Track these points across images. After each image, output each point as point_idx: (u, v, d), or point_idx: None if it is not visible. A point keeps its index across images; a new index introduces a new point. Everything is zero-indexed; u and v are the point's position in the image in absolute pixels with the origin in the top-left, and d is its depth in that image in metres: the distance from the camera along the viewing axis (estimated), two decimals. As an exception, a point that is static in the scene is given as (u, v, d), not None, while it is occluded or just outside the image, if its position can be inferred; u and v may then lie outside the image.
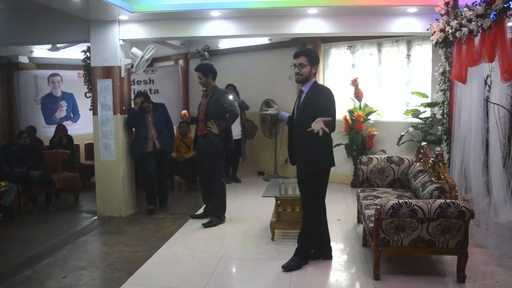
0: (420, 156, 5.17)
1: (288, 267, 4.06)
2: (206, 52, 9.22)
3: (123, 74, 6.07)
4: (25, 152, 6.59)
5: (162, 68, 9.25)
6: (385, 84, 7.64)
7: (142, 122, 6.11)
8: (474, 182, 4.60)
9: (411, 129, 6.80)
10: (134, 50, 6.16)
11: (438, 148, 5.34)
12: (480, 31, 4.12)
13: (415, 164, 5.18)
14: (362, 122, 7.35)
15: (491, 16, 3.87)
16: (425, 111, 6.74)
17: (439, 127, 5.61)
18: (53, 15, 5.71)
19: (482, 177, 4.51)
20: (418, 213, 3.59)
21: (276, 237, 4.92)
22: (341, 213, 5.90)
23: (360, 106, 7.52)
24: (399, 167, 5.34)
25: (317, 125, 3.68)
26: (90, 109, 6.29)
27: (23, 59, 9.19)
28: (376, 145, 7.47)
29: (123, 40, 6.04)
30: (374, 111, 7.47)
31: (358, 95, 7.47)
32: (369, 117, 7.46)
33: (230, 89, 7.85)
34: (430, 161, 4.70)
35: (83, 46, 6.63)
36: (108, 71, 6.01)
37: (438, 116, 5.64)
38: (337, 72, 8.07)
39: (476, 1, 4.20)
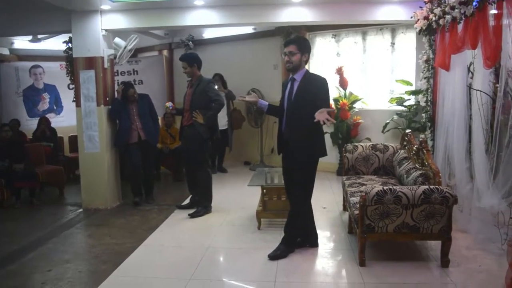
0: (405, 143, 5.20)
1: (274, 256, 4.08)
2: (190, 42, 9.14)
3: (106, 65, 6.00)
4: (7, 145, 6.49)
5: (146, 58, 9.17)
6: (370, 72, 7.66)
7: (126, 113, 6.06)
8: (458, 168, 4.65)
9: (395, 117, 6.84)
10: (117, 40, 6.09)
11: (422, 135, 5.39)
12: (463, 18, 4.14)
13: (399, 151, 5.22)
14: (347, 111, 7.37)
15: (474, 3, 3.89)
16: (409, 99, 6.79)
17: (423, 115, 5.66)
18: (33, 6, 5.61)
19: (465, 163, 4.56)
20: (403, 200, 3.62)
21: (263, 226, 4.94)
22: (327, 201, 5.93)
23: (345, 94, 7.54)
24: (384, 155, 5.37)
25: (322, 116, 3.65)
26: (73, 101, 6.22)
27: (4, 51, 9.04)
28: (361, 133, 7.52)
29: (106, 30, 5.96)
30: (359, 100, 7.50)
31: (343, 83, 7.49)
32: (354, 106, 7.48)
33: (216, 79, 7.82)
34: (414, 148, 4.74)
35: (65, 37, 6.52)
36: (91, 62, 5.93)
37: (422, 104, 5.68)
38: (322, 60, 8.06)
39: (459, -12, 4.21)
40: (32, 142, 7.83)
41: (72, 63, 6.15)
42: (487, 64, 3.82)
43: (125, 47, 6.01)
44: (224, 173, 8.15)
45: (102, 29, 5.91)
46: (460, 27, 4.28)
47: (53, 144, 8.01)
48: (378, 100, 7.54)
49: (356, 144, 5.66)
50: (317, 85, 3.96)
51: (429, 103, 5.49)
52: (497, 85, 4.00)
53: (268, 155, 8.39)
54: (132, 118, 6.07)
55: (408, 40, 7.16)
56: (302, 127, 3.92)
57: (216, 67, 8.13)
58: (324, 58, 8.03)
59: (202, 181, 5.57)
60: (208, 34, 9.14)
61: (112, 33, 6.12)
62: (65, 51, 6.48)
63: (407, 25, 6.90)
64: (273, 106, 4.28)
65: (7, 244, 4.80)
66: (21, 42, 9.05)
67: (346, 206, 5.24)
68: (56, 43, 8.11)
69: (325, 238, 4.63)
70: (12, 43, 9.07)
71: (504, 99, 3.86)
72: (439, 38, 4.95)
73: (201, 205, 5.57)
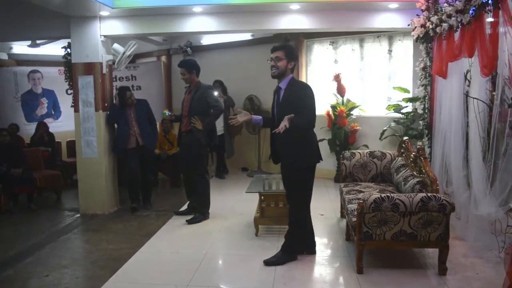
0: (402, 150, 5.22)
1: (269, 262, 4.07)
2: (188, 48, 9.17)
3: (104, 70, 6.01)
4: (5, 150, 6.48)
5: (144, 64, 9.19)
6: (367, 79, 7.70)
7: (123, 119, 6.06)
8: (455, 175, 4.66)
9: (393, 124, 6.87)
10: (116, 46, 6.10)
11: (419, 143, 5.41)
12: (460, 26, 4.18)
13: (397, 158, 5.23)
14: (345, 117, 7.39)
15: (470, 11, 3.93)
16: (406, 106, 6.82)
17: (420, 122, 5.69)
18: (32, 11, 5.62)
19: (463, 170, 4.57)
20: (400, 207, 3.63)
21: (260, 232, 4.93)
22: (324, 208, 5.93)
23: (342, 101, 7.57)
24: (381, 162, 5.39)
25: (281, 124, 3.64)
26: (72, 106, 6.22)
27: (2, 56, 9.05)
28: (359, 140, 7.53)
29: (104, 36, 5.98)
30: (357, 106, 7.52)
31: (340, 90, 7.52)
32: (351, 112, 7.50)
33: (216, 86, 7.85)
34: (412, 155, 4.75)
35: (64, 42, 6.55)
36: (90, 68, 5.95)
37: (419, 111, 5.71)
38: (319, 67, 8.10)
39: (455, -3, 4.25)
40: (30, 147, 7.82)
41: (71, 69, 6.16)
42: (484, 72, 3.84)
43: (123, 53, 6.02)
44: (222, 179, 8.15)
45: (101, 35, 5.93)
46: (457, 35, 4.32)
47: (51, 149, 8.00)
48: (375, 107, 7.57)
49: (354, 151, 5.68)
50: (300, 93, 3.92)
51: (426, 111, 5.51)
52: (494, 93, 4.02)
53: (266, 161, 8.38)
54: (130, 124, 6.07)
55: (405, 48, 7.19)
56: (290, 136, 3.84)
57: (214, 74, 8.14)
58: (322, 65, 8.06)
59: (200, 187, 5.57)
60: (206, 40, 9.17)
61: (111, 39, 6.14)
62: (63, 56, 6.51)
63: (404, 33, 6.95)
64: (267, 118, 4.28)
65: (4, 249, 4.78)
66: (20, 47, 9.06)
67: (343, 213, 5.24)
68: (55, 48, 8.13)
69: (323, 245, 4.63)
70: (11, 48, 9.08)
71: (501, 107, 3.88)
72: (436, 46, 4.98)
73: (199, 211, 5.57)
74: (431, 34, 4.94)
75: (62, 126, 9.28)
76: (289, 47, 4.17)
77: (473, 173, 4.27)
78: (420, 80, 5.57)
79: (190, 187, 5.73)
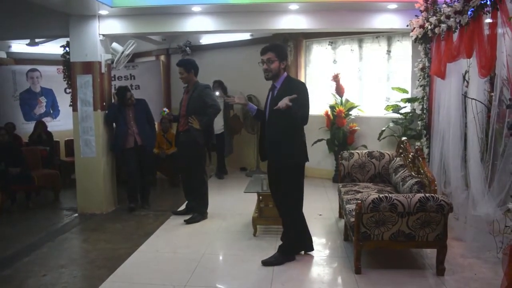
0: (400, 151, 5.23)
1: (266, 262, 4.08)
2: (187, 48, 9.17)
3: (103, 69, 6.00)
4: (3, 148, 6.47)
5: (143, 63, 9.17)
6: (366, 79, 7.70)
7: (122, 118, 6.05)
8: (453, 176, 4.67)
9: (391, 124, 6.87)
10: (115, 45, 6.10)
11: (418, 143, 5.41)
12: (458, 27, 4.18)
13: (395, 159, 5.23)
14: (344, 118, 7.39)
15: (469, 12, 3.93)
16: (405, 107, 6.82)
17: (419, 122, 5.69)
18: (31, 9, 5.61)
19: (461, 171, 4.58)
20: (398, 207, 3.63)
21: (258, 232, 4.93)
22: (322, 208, 5.93)
23: (341, 101, 7.56)
24: (379, 162, 5.39)
25: (282, 102, 3.65)
26: (70, 105, 6.21)
27: (1, 54, 9.04)
28: (357, 140, 7.53)
29: (103, 35, 5.97)
30: (355, 107, 7.52)
31: (339, 90, 7.51)
32: (350, 113, 7.50)
33: (216, 86, 7.85)
34: (410, 155, 4.76)
35: (62, 41, 6.53)
36: (88, 67, 5.94)
37: (418, 111, 5.72)
38: (318, 67, 8.10)
39: (454, -2, 4.25)
40: (28, 146, 7.81)
41: (70, 68, 6.14)
42: (482, 73, 3.85)
43: (122, 52, 6.02)
44: (221, 179, 8.15)
45: (99, 34, 5.92)
46: (455, 36, 4.32)
47: (49, 148, 8.00)
48: (374, 107, 7.56)
49: (352, 151, 5.68)
50: (296, 90, 3.89)
51: (424, 111, 5.52)
52: (492, 94, 4.02)
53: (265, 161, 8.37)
54: (128, 123, 6.07)
55: (404, 48, 7.20)
56: (280, 133, 3.90)
57: (213, 73, 8.14)
58: (321, 65, 8.06)
59: (198, 187, 5.57)
60: (205, 40, 9.16)
61: (110, 38, 6.13)
62: (62, 55, 6.48)
63: (403, 33, 6.95)
64: (261, 111, 4.27)
65: (1, 248, 4.78)
66: (19, 46, 9.05)
67: (342, 213, 5.24)
68: (53, 47, 8.13)
69: (321, 245, 4.63)
70: (10, 46, 9.06)
71: (499, 107, 3.88)
72: (434, 47, 4.98)
73: (197, 211, 5.56)
74: (430, 35, 4.94)
75: (61, 125, 9.28)
76: (279, 47, 4.13)
77: (471, 173, 4.28)
78: (418, 80, 5.58)
79: (188, 186, 5.72)
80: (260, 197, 4.93)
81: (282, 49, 4.10)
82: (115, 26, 5.95)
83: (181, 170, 5.97)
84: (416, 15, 5.25)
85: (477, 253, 4.19)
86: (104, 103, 6.06)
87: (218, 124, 7.72)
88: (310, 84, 8.14)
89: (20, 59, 9.29)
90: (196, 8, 5.66)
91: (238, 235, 5.00)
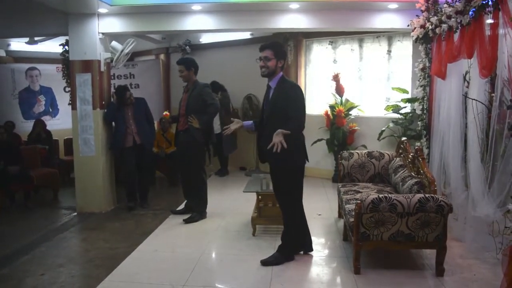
0: (400, 151, 5.21)
1: (265, 262, 4.06)
2: (187, 47, 9.16)
3: (102, 68, 5.99)
4: (2, 147, 6.45)
5: (142, 62, 9.16)
6: (366, 79, 7.69)
7: (121, 117, 6.04)
8: (453, 176, 4.66)
9: (391, 125, 6.86)
10: (114, 43, 6.08)
11: (417, 143, 5.39)
12: (459, 27, 4.17)
13: (395, 159, 5.22)
14: (343, 117, 7.38)
15: (470, 12, 3.92)
16: (405, 107, 6.81)
17: (419, 123, 5.68)
18: (30, 8, 5.61)
19: (461, 171, 4.57)
20: (398, 208, 3.62)
21: (257, 232, 4.92)
22: (322, 208, 5.92)
23: (341, 101, 7.55)
24: (379, 162, 5.38)
25: (277, 139, 3.62)
26: (69, 104, 6.19)
27: (0, 53, 9.03)
28: (357, 140, 7.52)
29: (103, 33, 5.95)
30: (355, 107, 7.51)
31: (339, 90, 7.50)
32: (350, 112, 7.49)
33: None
34: (410, 156, 4.75)
35: (62, 40, 6.52)
36: (87, 65, 5.92)
37: (418, 112, 5.70)
38: (318, 67, 8.09)
39: (455, -2, 4.24)
40: (27, 145, 7.79)
41: (69, 66, 6.13)
42: (483, 74, 3.84)
43: (122, 51, 6.00)
44: (222, 177, 8.16)
45: (99, 33, 5.90)
46: (456, 36, 4.31)
47: (48, 147, 7.98)
48: (374, 107, 7.55)
49: (352, 151, 5.67)
50: (290, 94, 3.89)
51: (425, 111, 5.51)
52: (493, 94, 4.02)
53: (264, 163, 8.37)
54: (127, 122, 6.05)
55: (404, 48, 7.18)
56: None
57: (213, 72, 8.12)
58: (321, 65, 8.05)
59: (197, 186, 5.56)
60: (205, 39, 9.15)
61: (109, 36, 6.11)
62: (61, 53, 6.47)
63: (403, 33, 6.93)
64: (258, 121, 4.27)
65: (0, 247, 4.76)
66: (18, 44, 9.04)
67: (341, 213, 5.22)
68: (52, 46, 8.11)
69: (320, 245, 4.62)
70: (9, 44, 9.06)
71: (499, 108, 3.87)
72: (435, 47, 4.97)
73: (196, 210, 5.55)
74: (431, 35, 4.93)
75: (60, 123, 9.27)
76: (278, 46, 4.13)
77: (471, 174, 4.27)
78: (419, 80, 5.56)
79: (187, 186, 5.71)
80: (259, 197, 4.92)
81: (280, 48, 4.10)
82: (115, 25, 5.93)
83: (180, 169, 5.95)
84: (417, 15, 5.24)
85: (477, 254, 4.19)
86: (103, 102, 6.04)
87: (215, 124, 7.68)
88: (310, 83, 8.16)
89: (19, 57, 9.28)
90: (196, 7, 5.65)
91: (237, 234, 4.99)
